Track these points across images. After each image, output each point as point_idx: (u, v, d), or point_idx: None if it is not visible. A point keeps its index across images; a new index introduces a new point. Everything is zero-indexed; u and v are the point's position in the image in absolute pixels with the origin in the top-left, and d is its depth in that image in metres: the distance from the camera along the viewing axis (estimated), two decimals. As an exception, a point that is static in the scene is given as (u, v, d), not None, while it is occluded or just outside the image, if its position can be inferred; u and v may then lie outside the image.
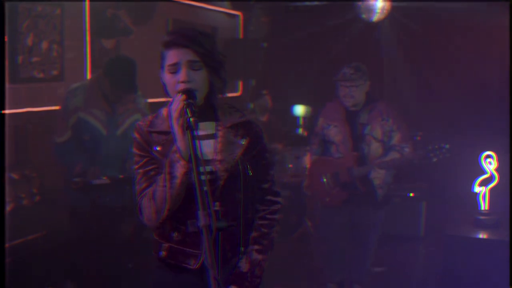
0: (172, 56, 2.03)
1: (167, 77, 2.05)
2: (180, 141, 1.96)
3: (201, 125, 2.04)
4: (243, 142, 2.14)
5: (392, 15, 6.81)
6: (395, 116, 4.05)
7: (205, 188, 2.06)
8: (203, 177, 2.05)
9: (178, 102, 1.95)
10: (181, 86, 2.01)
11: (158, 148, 2.09)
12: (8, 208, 3.79)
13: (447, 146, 3.90)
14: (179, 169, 1.97)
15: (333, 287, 4.29)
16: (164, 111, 2.15)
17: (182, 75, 2.01)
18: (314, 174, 4.25)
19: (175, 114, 1.95)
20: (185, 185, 2.00)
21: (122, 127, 3.88)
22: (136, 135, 2.14)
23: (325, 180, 4.14)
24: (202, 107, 2.08)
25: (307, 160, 4.33)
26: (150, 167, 2.10)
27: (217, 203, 1.82)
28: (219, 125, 2.13)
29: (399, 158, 3.97)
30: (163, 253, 2.14)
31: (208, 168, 2.08)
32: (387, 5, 6.54)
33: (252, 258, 2.19)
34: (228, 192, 2.10)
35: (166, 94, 2.12)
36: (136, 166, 2.13)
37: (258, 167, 2.21)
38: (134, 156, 2.15)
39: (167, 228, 2.12)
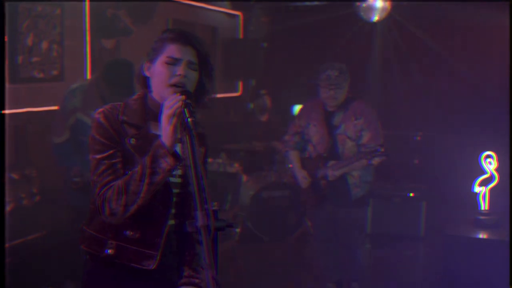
0: (174, 50, 2.04)
1: (162, 68, 2.04)
2: (167, 138, 1.93)
3: None
4: (202, 150, 2.19)
5: (392, 15, 6.81)
6: (368, 116, 4.02)
7: (175, 191, 2.09)
8: (176, 180, 2.10)
9: (175, 100, 1.93)
10: (176, 79, 2.01)
11: (132, 141, 2.05)
12: (8, 208, 3.80)
13: (381, 149, 3.84)
14: (164, 165, 1.94)
15: (332, 287, 4.30)
16: (133, 103, 2.11)
17: (181, 69, 2.02)
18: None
19: (168, 111, 1.93)
20: (163, 182, 1.99)
21: None
22: (103, 120, 2.05)
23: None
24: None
25: (290, 157, 4.34)
26: (117, 160, 2.03)
27: (215, 203, 1.81)
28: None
29: (341, 163, 3.99)
30: (110, 251, 2.05)
31: (180, 171, 2.12)
32: (387, 5, 6.54)
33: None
34: (190, 198, 2.11)
35: (144, 87, 2.11)
36: (99, 156, 2.03)
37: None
38: (94, 143, 2.05)
39: (118, 225, 2.05)
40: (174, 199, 2.11)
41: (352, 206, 4.08)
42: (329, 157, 4.06)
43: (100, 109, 2.08)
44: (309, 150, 4.20)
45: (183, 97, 1.94)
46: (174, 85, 2.01)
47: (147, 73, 2.10)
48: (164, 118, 1.94)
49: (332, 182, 4.03)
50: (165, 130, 1.94)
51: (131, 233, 2.05)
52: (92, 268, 2.13)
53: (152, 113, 2.08)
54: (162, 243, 2.08)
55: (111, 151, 2.03)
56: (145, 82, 2.12)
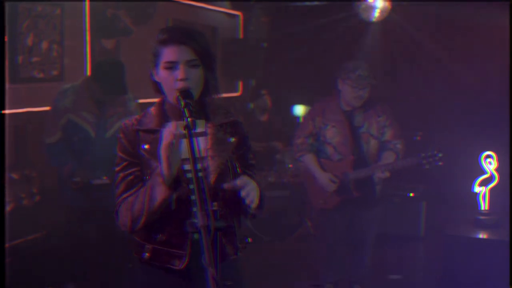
0: (170, 53, 2.01)
1: (164, 74, 2.03)
2: (165, 168, 1.93)
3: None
4: (232, 140, 2.17)
5: (392, 15, 6.81)
6: (388, 113, 4.09)
7: (192, 187, 2.07)
8: (200, 174, 2.06)
9: (169, 130, 1.90)
10: (180, 84, 2.00)
11: (146, 147, 2.08)
12: (8, 208, 3.79)
13: (440, 154, 3.88)
14: (160, 194, 1.97)
15: (331, 287, 4.30)
16: (152, 110, 2.14)
17: (180, 72, 2.00)
18: (310, 176, 4.17)
19: (164, 141, 1.91)
20: (163, 207, 2.01)
21: (111, 130, 3.90)
22: (120, 134, 2.13)
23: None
24: (196, 104, 2.04)
25: (307, 161, 4.12)
26: (129, 171, 2.09)
27: (215, 203, 1.81)
28: (209, 123, 2.12)
29: (394, 163, 3.95)
30: (147, 255, 2.13)
31: (199, 166, 2.08)
32: (387, 5, 6.54)
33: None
34: (219, 190, 2.09)
35: (158, 92, 2.12)
36: (117, 169, 2.12)
37: (244, 166, 2.21)
38: (116, 157, 2.14)
39: (150, 229, 2.10)
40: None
41: (375, 205, 4.11)
42: (356, 158, 4.00)
43: (122, 123, 2.16)
44: (328, 152, 4.06)
45: (172, 128, 1.91)
46: (179, 90, 1.99)
47: (156, 79, 2.09)
48: (161, 148, 1.92)
49: (360, 182, 3.99)
50: (163, 161, 1.93)
51: (160, 235, 2.11)
52: (139, 270, 2.20)
53: (169, 116, 2.10)
54: (189, 243, 2.09)
55: (125, 163, 2.11)
56: (158, 87, 2.11)
